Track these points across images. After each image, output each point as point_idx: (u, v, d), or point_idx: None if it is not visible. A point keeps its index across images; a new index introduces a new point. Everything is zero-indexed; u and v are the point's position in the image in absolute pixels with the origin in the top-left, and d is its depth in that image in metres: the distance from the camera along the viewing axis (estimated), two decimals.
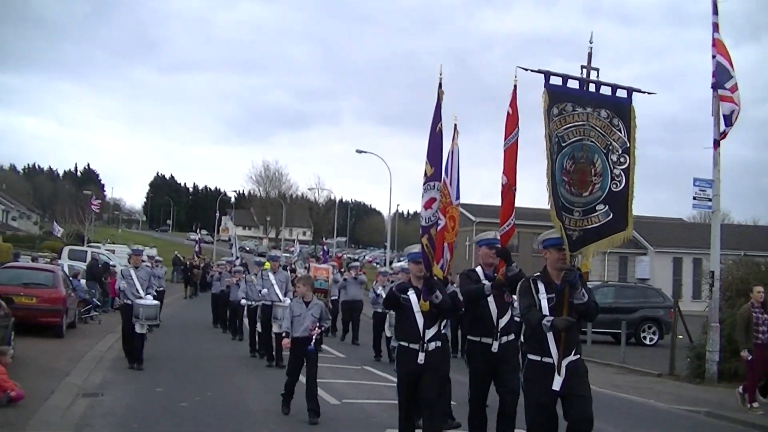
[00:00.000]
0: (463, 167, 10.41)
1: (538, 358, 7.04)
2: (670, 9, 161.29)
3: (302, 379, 11.36)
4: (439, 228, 8.57)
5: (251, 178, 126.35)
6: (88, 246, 48.69)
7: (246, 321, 19.99)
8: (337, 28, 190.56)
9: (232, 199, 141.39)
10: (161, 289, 25.46)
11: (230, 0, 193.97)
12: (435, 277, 8.26)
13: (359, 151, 56.54)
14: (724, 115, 17.08)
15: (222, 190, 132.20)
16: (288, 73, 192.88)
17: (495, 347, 8.41)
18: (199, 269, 47.83)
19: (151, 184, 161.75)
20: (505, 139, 8.32)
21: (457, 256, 10.87)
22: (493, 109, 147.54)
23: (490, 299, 8.45)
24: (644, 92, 7.75)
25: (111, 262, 33.81)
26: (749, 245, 38.29)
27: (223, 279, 26.31)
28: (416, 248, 8.52)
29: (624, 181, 7.47)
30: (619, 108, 7.55)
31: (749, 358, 13.85)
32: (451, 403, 10.43)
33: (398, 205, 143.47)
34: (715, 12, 17.30)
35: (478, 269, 8.69)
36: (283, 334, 12.16)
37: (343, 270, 29.69)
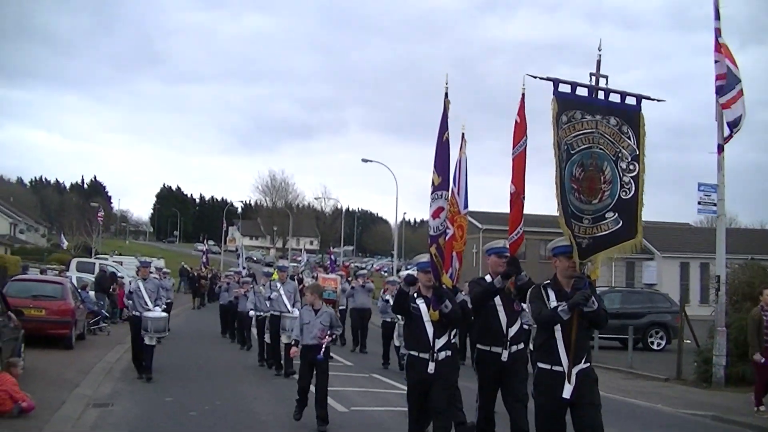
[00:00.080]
0: (469, 175, 10.43)
1: (548, 367, 7.03)
2: (674, 13, 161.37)
3: (312, 387, 11.41)
4: (447, 237, 8.58)
5: (258, 188, 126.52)
6: (96, 258, 48.82)
7: (254, 331, 20.01)
8: (341, 37, 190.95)
9: (239, 210, 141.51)
10: (169, 300, 25.51)
11: (234, 12, 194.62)
12: (444, 286, 8.26)
13: (365, 160, 56.47)
14: (727, 122, 17.09)
15: (228, 201, 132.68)
16: (293, 83, 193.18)
17: (505, 356, 8.40)
18: (207, 280, 47.92)
19: (158, 196, 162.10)
20: (513, 148, 8.32)
21: (465, 264, 10.81)
22: (497, 117, 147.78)
23: (500, 308, 8.45)
24: (653, 99, 7.71)
25: (119, 274, 33.95)
26: (756, 249, 38.27)
27: (232, 290, 26.28)
28: (425, 258, 8.51)
29: (633, 188, 7.43)
30: (628, 115, 7.52)
31: (762, 360, 13.79)
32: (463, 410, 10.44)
33: (405, 213, 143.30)
34: (717, 17, 17.29)
35: (487, 277, 8.65)
36: (292, 342, 12.20)
37: (350, 278, 29.71)
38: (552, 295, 7.11)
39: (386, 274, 57.17)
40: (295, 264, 49.07)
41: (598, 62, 7.42)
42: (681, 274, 46.98)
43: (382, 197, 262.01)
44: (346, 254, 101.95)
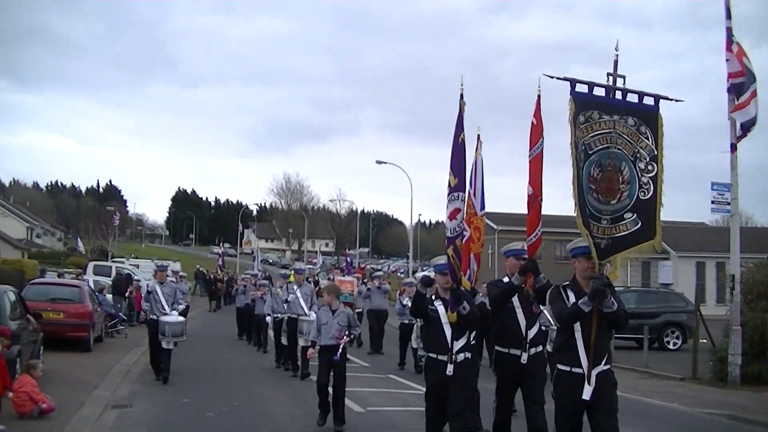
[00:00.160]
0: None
1: (568, 369, 7.04)
2: (687, 12, 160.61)
3: (329, 388, 11.43)
4: (464, 239, 8.58)
5: (272, 190, 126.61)
6: (112, 261, 49.00)
7: (271, 333, 20.06)
8: (353, 39, 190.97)
9: (254, 212, 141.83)
10: (186, 304, 25.59)
11: (247, 15, 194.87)
12: (463, 289, 8.27)
13: (379, 162, 56.51)
14: (741, 123, 17.01)
15: (244, 204, 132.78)
16: (306, 85, 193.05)
17: (524, 358, 8.40)
18: (223, 283, 48.05)
19: (173, 199, 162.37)
20: (530, 150, 8.31)
21: (481, 265, 10.78)
22: (510, 117, 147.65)
23: (519, 310, 8.44)
24: (672, 99, 7.68)
25: (135, 276, 34.08)
26: None
27: (248, 292, 26.32)
28: (442, 259, 8.50)
29: (652, 189, 7.41)
30: (646, 115, 7.50)
31: None
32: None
33: (420, 214, 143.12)
34: (729, 16, 17.21)
35: (505, 279, 8.65)
36: (309, 343, 12.23)
37: (366, 280, 29.71)
38: (572, 296, 7.11)
39: (402, 275, 57.10)
40: (311, 266, 49.03)
41: (615, 62, 7.39)
42: (697, 274, 46.75)
43: (397, 199, 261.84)
44: (362, 256, 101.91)
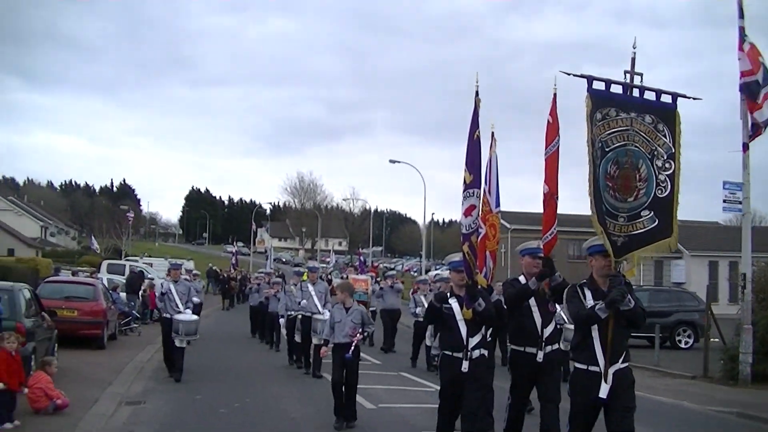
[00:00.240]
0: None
1: (585, 367, 7.02)
2: (702, 10, 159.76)
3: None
4: (480, 236, 8.56)
5: (286, 189, 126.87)
6: (126, 260, 49.15)
7: (283, 331, 20.08)
8: (366, 39, 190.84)
9: (268, 211, 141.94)
10: (200, 302, 25.61)
11: (260, 15, 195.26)
12: (479, 286, 8.24)
13: (392, 161, 56.60)
14: (753, 124, 16.91)
15: (257, 203, 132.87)
16: (319, 85, 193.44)
17: (540, 357, 8.36)
18: (236, 281, 48.15)
19: (187, 198, 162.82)
20: (545, 149, 8.30)
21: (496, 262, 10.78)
22: (524, 117, 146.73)
23: (535, 309, 8.42)
24: (689, 98, 7.66)
25: (149, 275, 34.18)
26: None
27: (262, 291, 26.31)
28: (457, 257, 8.46)
29: (669, 186, 7.38)
30: (664, 113, 7.46)
31: None
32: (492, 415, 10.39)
33: (433, 213, 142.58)
34: (741, 15, 17.13)
35: (521, 278, 8.61)
36: (322, 341, 12.22)
37: (379, 279, 29.69)
38: (588, 294, 7.08)
39: (415, 274, 57.09)
40: (324, 265, 49.12)
41: (633, 59, 7.36)
42: (710, 273, 46.60)
43: (410, 198, 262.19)
44: (375, 255, 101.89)
